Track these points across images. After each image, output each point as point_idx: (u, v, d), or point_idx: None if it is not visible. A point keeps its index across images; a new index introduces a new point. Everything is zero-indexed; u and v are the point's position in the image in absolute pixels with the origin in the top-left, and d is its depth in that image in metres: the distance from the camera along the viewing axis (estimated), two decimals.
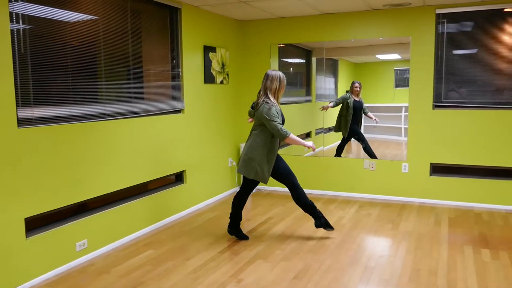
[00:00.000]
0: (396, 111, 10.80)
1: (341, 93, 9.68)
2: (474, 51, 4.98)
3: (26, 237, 3.11)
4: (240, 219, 4.07)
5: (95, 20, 3.70)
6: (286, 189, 5.92)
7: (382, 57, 12.03)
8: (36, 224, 3.24)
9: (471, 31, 4.97)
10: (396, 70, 14.59)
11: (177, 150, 4.72)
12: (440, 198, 5.21)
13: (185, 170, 4.88)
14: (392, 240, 3.96)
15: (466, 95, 5.04)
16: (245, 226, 4.44)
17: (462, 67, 5.03)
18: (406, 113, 5.71)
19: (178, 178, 4.88)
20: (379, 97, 13.79)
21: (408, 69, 5.55)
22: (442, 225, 4.39)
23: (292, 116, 6.90)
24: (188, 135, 4.90)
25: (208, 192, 5.35)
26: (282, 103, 6.35)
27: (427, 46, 5.13)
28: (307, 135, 7.16)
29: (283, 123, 3.84)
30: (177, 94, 4.76)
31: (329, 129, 8.06)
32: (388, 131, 11.30)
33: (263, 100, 3.78)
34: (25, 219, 3.09)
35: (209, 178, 5.36)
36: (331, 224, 4.13)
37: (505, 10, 4.79)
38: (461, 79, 5.05)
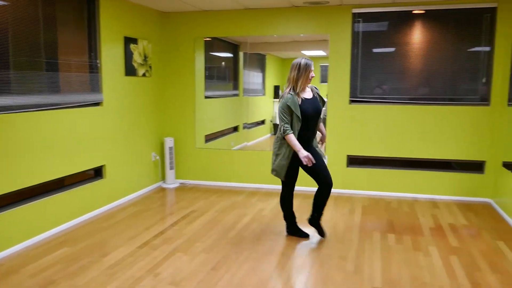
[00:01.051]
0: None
1: (269, 87, 9.88)
2: (388, 49, 5.31)
3: None
4: (295, 218, 3.99)
5: (3, 7, 3.48)
6: (210, 183, 5.97)
7: (308, 53, 12.41)
8: None
9: (385, 30, 5.29)
10: (321, 66, 15.13)
11: (95, 144, 4.58)
12: (356, 188, 5.53)
13: (104, 164, 4.75)
14: (310, 229, 4.15)
15: (383, 92, 5.37)
16: (165, 221, 4.43)
17: (377, 64, 5.35)
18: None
19: (97, 173, 4.74)
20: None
21: None
22: (355, 214, 4.66)
23: (220, 110, 6.94)
24: (107, 128, 4.77)
25: (130, 187, 5.25)
26: (208, 97, 6.38)
27: (344, 44, 5.38)
28: (235, 129, 7.25)
29: (304, 113, 3.60)
30: (95, 86, 4.61)
31: (257, 123, 8.21)
32: None
33: (284, 92, 3.67)
34: None
35: (131, 173, 5.26)
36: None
37: (414, 12, 5.15)
38: (376, 76, 5.37)
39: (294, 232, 3.98)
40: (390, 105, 5.30)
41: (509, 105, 4.67)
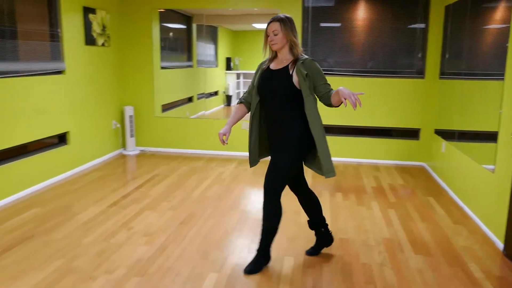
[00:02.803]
0: None
1: (222, 59, 10.12)
2: (335, 25, 5.72)
3: None
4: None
5: None
6: (169, 150, 6.21)
7: (259, 26, 12.63)
8: None
9: (332, 6, 5.68)
10: None
11: (59, 112, 4.69)
12: None
13: (68, 131, 4.88)
14: None
15: (330, 64, 5.80)
16: (131, 184, 4.67)
17: (325, 39, 5.75)
18: None
19: (62, 139, 4.86)
20: (256, 64, 14.39)
21: None
22: (306, 176, 5.12)
23: (175, 81, 7.12)
24: (70, 96, 4.87)
25: (93, 154, 5.41)
26: (164, 68, 6.55)
27: (295, 19, 5.72)
28: (189, 100, 7.47)
29: (255, 84, 2.81)
30: (56, 55, 4.68)
31: (210, 94, 8.45)
32: None
33: None
34: None
35: (94, 139, 5.40)
36: None
37: None
38: (324, 50, 5.78)
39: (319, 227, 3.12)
40: (336, 76, 5.75)
41: (440, 78, 5.25)
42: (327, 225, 3.12)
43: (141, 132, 6.22)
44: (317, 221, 3.05)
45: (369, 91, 5.70)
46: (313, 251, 3.12)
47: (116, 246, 3.15)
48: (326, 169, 2.70)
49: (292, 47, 2.68)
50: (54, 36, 4.64)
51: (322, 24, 5.73)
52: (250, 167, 3.00)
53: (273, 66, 2.75)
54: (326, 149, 2.71)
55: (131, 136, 6.06)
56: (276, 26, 2.63)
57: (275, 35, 2.65)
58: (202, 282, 2.68)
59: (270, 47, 2.73)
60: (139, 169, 5.28)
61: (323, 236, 3.10)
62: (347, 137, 5.88)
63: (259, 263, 2.85)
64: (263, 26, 9.88)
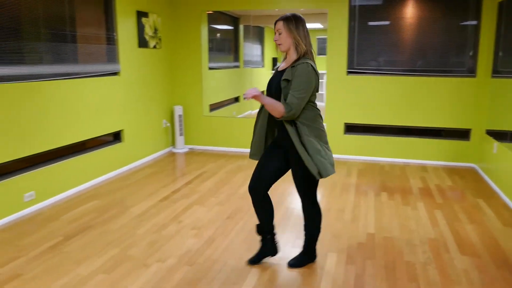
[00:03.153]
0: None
1: (268, 59, 10.22)
2: (383, 23, 5.68)
3: None
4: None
5: None
6: (216, 148, 6.41)
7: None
8: None
9: (380, 5, 5.65)
10: (318, 39, 15.40)
11: (114, 111, 4.98)
12: (352, 153, 5.99)
13: (122, 129, 5.16)
14: None
15: (378, 63, 5.77)
16: (180, 180, 4.88)
17: (373, 38, 5.73)
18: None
19: (116, 137, 5.16)
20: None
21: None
22: (352, 176, 5.14)
23: (222, 81, 7.31)
24: (124, 96, 5.16)
25: (145, 151, 5.69)
26: (212, 68, 6.76)
27: (342, 18, 5.74)
28: (236, 100, 7.64)
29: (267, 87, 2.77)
30: (113, 57, 4.97)
31: (262, 93, 8.58)
32: None
33: None
34: None
35: (145, 138, 5.68)
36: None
37: None
38: (372, 49, 5.76)
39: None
40: (384, 76, 5.71)
41: (493, 76, 5.10)
42: (274, 234, 2.92)
43: (190, 130, 6.45)
44: (266, 227, 2.86)
45: (418, 90, 5.62)
46: (255, 259, 2.92)
47: (167, 237, 3.34)
48: (311, 171, 2.54)
49: (297, 47, 2.57)
50: (110, 40, 4.93)
51: (370, 23, 5.71)
52: (249, 158, 2.98)
53: (281, 66, 2.69)
54: (304, 153, 2.53)
55: (180, 134, 6.30)
56: (279, 25, 2.57)
57: (279, 34, 2.58)
58: (247, 273, 2.80)
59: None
60: (188, 166, 5.49)
61: (269, 244, 2.91)
62: (393, 137, 5.83)
63: (303, 259, 2.93)
64: (310, 25, 9.87)
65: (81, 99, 4.42)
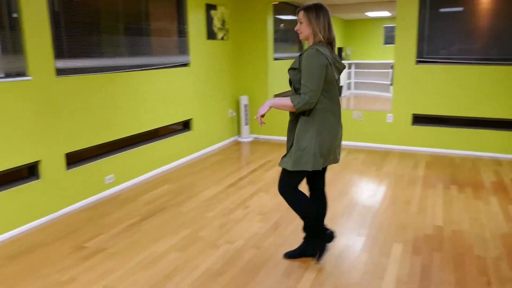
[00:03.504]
0: (384, 67, 11.26)
1: None
2: (457, 9, 5.44)
3: (67, 169, 3.66)
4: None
5: None
6: (281, 138, 6.51)
7: (372, 14, 12.28)
8: (74, 159, 3.80)
9: None
10: (385, 28, 14.84)
11: (184, 100, 5.22)
12: (419, 145, 5.83)
13: (192, 118, 5.41)
14: (376, 178, 4.58)
15: (449, 52, 5.56)
16: (246, 168, 5.03)
17: (444, 25, 5.51)
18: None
19: (186, 125, 5.41)
20: (368, 54, 14.13)
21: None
22: (419, 168, 5.02)
23: (285, 72, 7.37)
24: (194, 87, 5.39)
25: (212, 139, 5.91)
26: (277, 59, 6.83)
27: (412, 5, 5.57)
28: None
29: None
30: (183, 49, 5.20)
31: None
32: (376, 87, 11.81)
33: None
34: (66, 154, 3.63)
35: (213, 126, 5.90)
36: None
37: None
38: (443, 37, 5.54)
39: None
40: (456, 65, 5.48)
41: None
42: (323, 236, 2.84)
43: (255, 120, 6.60)
44: (314, 226, 2.78)
45: (492, 79, 5.35)
46: (291, 254, 2.89)
47: (235, 221, 3.49)
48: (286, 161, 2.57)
49: (314, 37, 2.49)
50: (182, 32, 5.16)
51: (442, 10, 5.50)
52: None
53: None
54: (295, 144, 2.53)
55: (246, 124, 6.47)
56: (300, 15, 2.52)
57: (300, 23, 2.52)
58: (311, 258, 2.88)
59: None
60: (252, 155, 5.64)
61: (312, 245, 2.85)
62: (464, 129, 5.60)
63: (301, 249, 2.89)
64: (377, 14, 9.67)
65: (154, 89, 4.69)
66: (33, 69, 3.30)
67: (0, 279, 2.67)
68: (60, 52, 3.53)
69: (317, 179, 2.83)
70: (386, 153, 5.70)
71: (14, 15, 3.11)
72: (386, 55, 12.45)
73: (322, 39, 2.47)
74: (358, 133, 6.13)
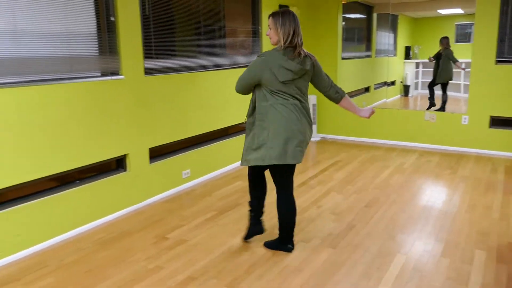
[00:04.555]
0: (455, 67, 10.76)
1: (400, 48, 9.86)
2: None
3: (150, 163, 3.89)
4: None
5: None
6: (348, 138, 6.46)
7: (444, 11, 11.87)
8: (155, 153, 4.02)
9: None
10: (457, 25, 14.25)
11: None
12: (498, 149, 5.56)
13: None
14: (451, 182, 4.44)
15: None
16: (315, 167, 5.05)
17: None
18: (467, 69, 5.96)
19: None
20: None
21: (470, 24, 5.75)
22: (498, 173, 4.80)
23: (354, 71, 7.29)
24: None
25: None
26: (344, 58, 6.78)
27: (492, 2, 5.31)
28: (366, 90, 7.57)
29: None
30: (256, 49, 5.31)
31: (387, 84, 8.38)
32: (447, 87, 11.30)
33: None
34: (149, 148, 3.86)
35: None
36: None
37: None
38: None
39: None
40: None
41: None
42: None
43: (322, 120, 6.59)
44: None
45: None
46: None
47: (309, 220, 3.54)
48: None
49: (279, 42, 2.69)
50: (255, 33, 5.26)
51: None
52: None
53: None
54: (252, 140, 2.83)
55: (314, 123, 6.48)
56: (269, 21, 2.72)
57: (270, 29, 2.72)
58: (390, 260, 2.86)
59: None
60: (321, 155, 5.65)
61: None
62: None
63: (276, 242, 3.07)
64: (450, 11, 9.36)
65: (228, 89, 4.83)
66: (125, 68, 3.53)
67: (94, 264, 2.90)
68: (148, 52, 3.75)
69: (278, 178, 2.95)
70: (461, 156, 5.49)
71: (112, 18, 3.35)
72: (457, 53, 11.93)
73: (283, 44, 2.65)
74: (430, 135, 5.95)
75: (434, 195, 4.09)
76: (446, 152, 5.73)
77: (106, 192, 3.53)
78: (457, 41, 12.44)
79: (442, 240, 3.16)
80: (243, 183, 4.47)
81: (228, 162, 4.96)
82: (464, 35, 12.25)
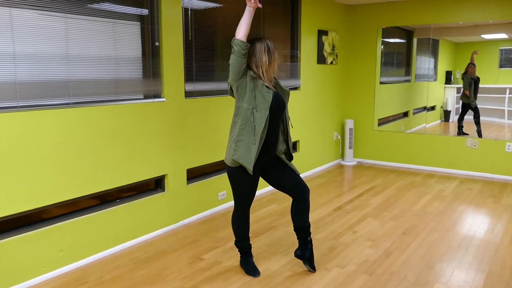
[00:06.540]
0: (500, 92, 10.50)
1: (441, 73, 9.71)
2: None
3: (187, 184, 3.97)
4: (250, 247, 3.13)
5: (218, 8, 4.40)
6: (386, 163, 6.36)
7: (487, 36, 11.65)
8: (192, 174, 4.11)
9: None
10: (501, 50, 13.92)
11: (294, 122, 5.37)
12: None
13: (299, 140, 5.53)
14: (494, 211, 4.29)
15: None
16: (351, 192, 5.00)
17: None
18: (511, 95, 5.81)
19: (293, 147, 5.55)
20: (481, 78, 13.35)
21: None
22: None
23: (393, 95, 7.22)
24: (302, 109, 5.53)
25: (316, 161, 5.98)
26: (383, 83, 6.74)
27: None
28: (405, 115, 7.46)
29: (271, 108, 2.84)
30: (295, 73, 5.38)
31: (426, 109, 8.24)
32: (490, 113, 11.01)
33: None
34: (187, 169, 3.95)
35: (318, 148, 5.97)
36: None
37: None
38: None
39: (243, 263, 3.10)
40: None
41: None
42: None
43: (359, 144, 6.54)
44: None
45: None
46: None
47: (344, 245, 3.50)
48: None
49: None
50: (294, 57, 5.34)
51: None
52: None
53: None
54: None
55: (350, 147, 6.44)
56: None
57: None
58: None
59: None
60: (357, 179, 5.59)
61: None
62: None
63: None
64: (494, 36, 9.15)
65: None
66: (167, 91, 3.67)
67: (132, 282, 2.97)
68: (189, 76, 3.88)
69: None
70: (504, 185, 5.30)
71: (156, 43, 3.51)
72: (502, 79, 11.59)
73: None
74: (472, 162, 5.78)
75: (476, 223, 3.96)
76: (488, 179, 5.54)
77: (144, 212, 3.63)
78: (501, 66, 12.12)
79: (484, 271, 3.04)
80: (278, 206, 4.48)
81: (263, 186, 4.98)
82: (509, 60, 11.93)
